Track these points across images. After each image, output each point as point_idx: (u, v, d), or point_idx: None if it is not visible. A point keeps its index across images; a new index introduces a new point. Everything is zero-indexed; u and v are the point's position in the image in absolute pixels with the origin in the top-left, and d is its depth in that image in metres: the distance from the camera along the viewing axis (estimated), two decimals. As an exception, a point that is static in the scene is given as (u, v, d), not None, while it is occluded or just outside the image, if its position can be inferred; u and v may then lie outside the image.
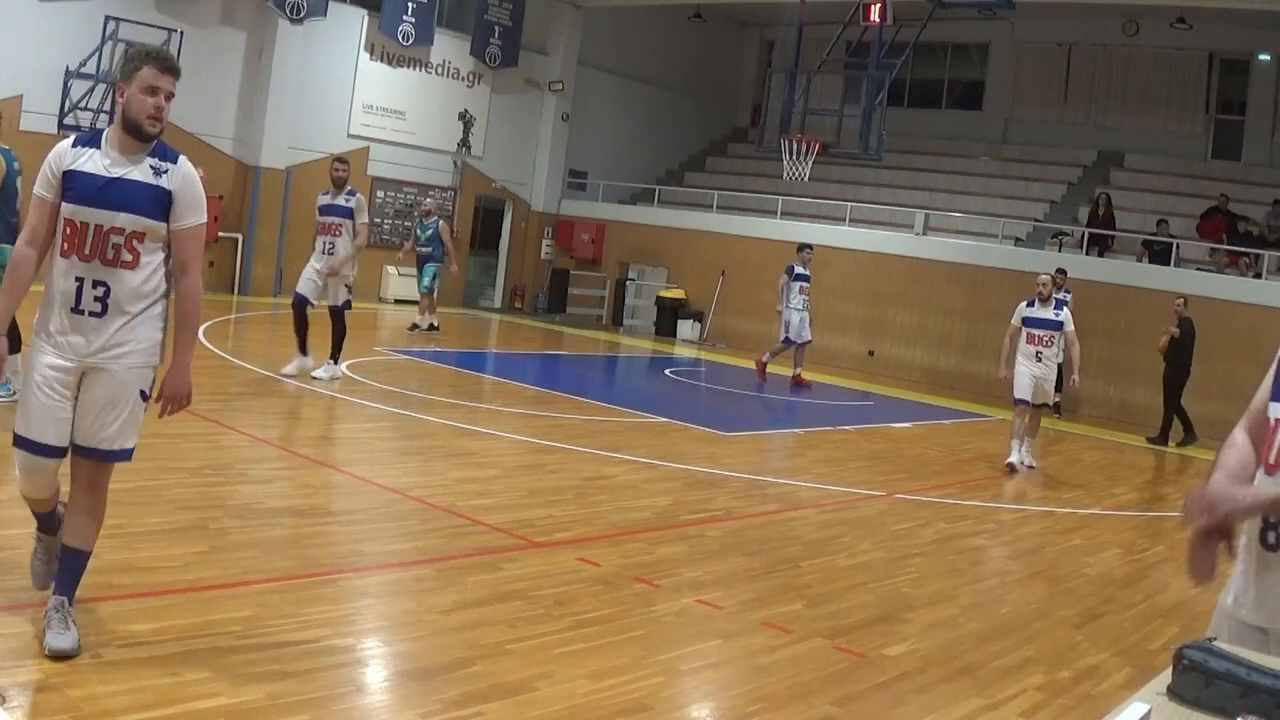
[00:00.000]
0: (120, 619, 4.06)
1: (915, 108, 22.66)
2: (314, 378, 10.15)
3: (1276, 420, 2.45)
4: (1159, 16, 19.12)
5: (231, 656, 3.86)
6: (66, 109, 15.52)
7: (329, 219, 10.24)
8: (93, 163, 3.65)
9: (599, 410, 11.13)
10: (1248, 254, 16.10)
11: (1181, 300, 13.81)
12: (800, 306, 15.00)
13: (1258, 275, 15.73)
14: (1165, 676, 2.32)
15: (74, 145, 3.71)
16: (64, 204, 3.64)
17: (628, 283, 22.04)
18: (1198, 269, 16.30)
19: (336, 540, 5.56)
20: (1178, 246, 16.49)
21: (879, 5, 16.31)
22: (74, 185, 3.63)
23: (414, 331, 15.73)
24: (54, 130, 15.54)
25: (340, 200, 10.20)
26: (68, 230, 3.64)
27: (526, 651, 4.30)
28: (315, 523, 5.81)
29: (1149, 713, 1.85)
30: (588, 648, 4.44)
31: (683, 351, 19.11)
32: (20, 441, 3.70)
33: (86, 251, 3.64)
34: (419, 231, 16.21)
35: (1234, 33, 19.02)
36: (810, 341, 15.33)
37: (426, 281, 15.99)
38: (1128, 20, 20.11)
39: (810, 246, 15.58)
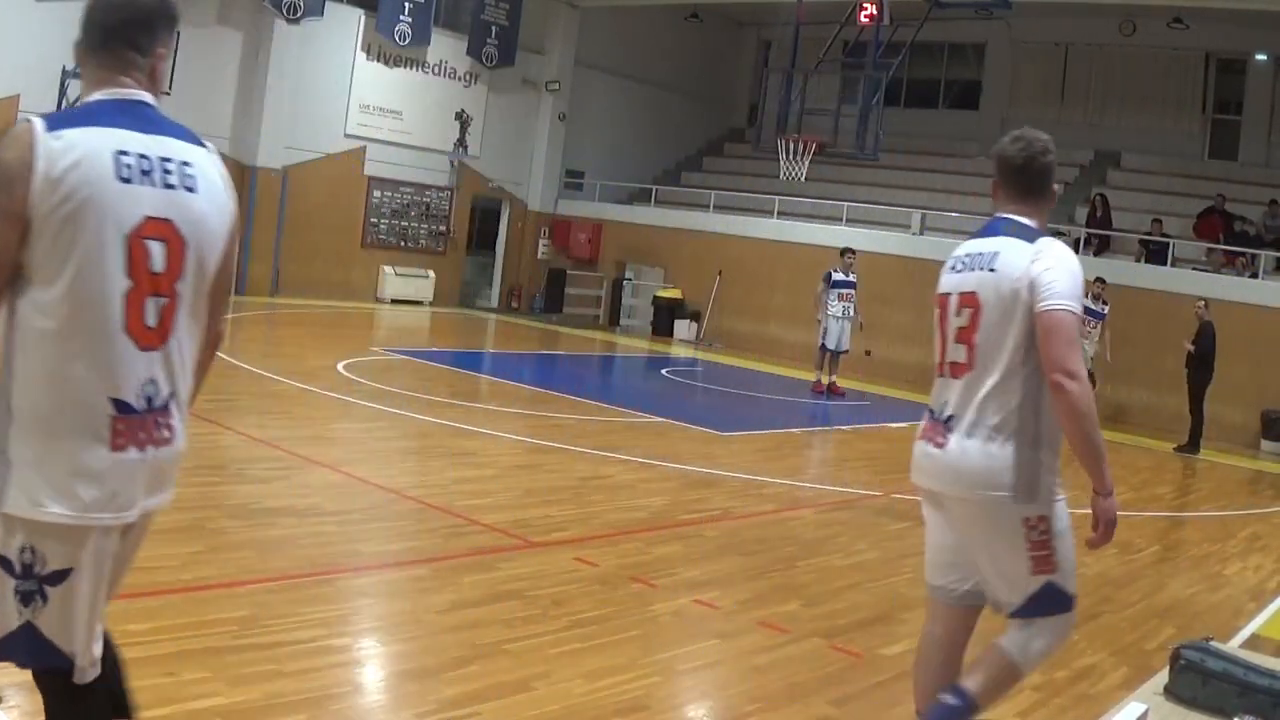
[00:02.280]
0: (116, 618, 4.01)
1: (912, 107, 22.65)
2: None
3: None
4: (1156, 16, 19.12)
5: (228, 656, 3.85)
6: (64, 109, 15.49)
7: None
8: None
9: (596, 410, 11.13)
10: (1244, 254, 16.12)
11: (1203, 303, 13.51)
12: (840, 314, 14.32)
13: (1254, 275, 15.75)
14: (1162, 676, 2.33)
15: None
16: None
17: (624, 282, 22.03)
18: (1194, 269, 16.31)
19: (333, 540, 5.55)
20: (1174, 246, 16.51)
21: (876, 5, 16.32)
22: None
23: None
24: (50, 130, 15.53)
25: None
26: None
27: (523, 651, 4.30)
28: (312, 523, 5.80)
29: (1146, 712, 1.85)
30: (584, 647, 4.44)
31: (679, 351, 19.10)
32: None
33: None
34: None
35: (1231, 32, 19.04)
36: (847, 351, 14.69)
37: None
38: (1125, 20, 20.11)
39: (853, 250, 14.79)
